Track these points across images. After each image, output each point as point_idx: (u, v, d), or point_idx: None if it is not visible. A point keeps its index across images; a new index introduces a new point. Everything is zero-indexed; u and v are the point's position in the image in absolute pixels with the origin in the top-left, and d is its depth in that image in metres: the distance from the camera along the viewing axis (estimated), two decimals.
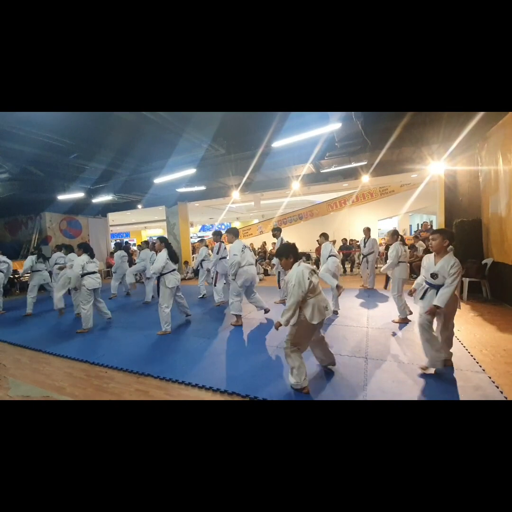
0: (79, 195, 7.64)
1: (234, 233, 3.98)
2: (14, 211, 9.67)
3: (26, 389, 2.53)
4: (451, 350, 2.51)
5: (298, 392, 2.18)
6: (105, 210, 11.00)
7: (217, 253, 4.95)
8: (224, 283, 5.21)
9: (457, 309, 2.35)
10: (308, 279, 2.09)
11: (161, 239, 3.92)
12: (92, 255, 4.16)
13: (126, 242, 12.88)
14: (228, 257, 4.72)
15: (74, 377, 2.73)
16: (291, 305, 2.06)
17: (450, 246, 2.31)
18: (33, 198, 8.65)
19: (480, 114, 4.02)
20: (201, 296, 5.93)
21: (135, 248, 13.49)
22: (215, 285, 5.12)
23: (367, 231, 6.31)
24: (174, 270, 3.81)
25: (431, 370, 2.36)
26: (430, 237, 2.36)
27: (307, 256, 8.53)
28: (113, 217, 13.14)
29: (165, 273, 3.72)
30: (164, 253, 3.73)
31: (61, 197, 7.73)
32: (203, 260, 5.87)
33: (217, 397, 2.23)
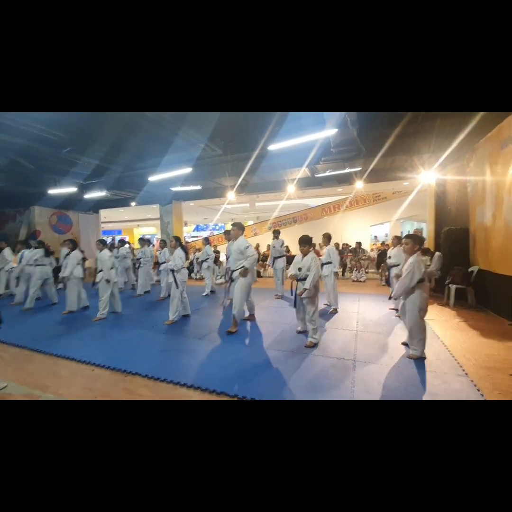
0: (71, 190, 7.49)
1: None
2: (2, 204, 9.40)
3: (8, 387, 2.46)
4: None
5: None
6: (97, 206, 10.81)
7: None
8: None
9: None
10: None
11: (176, 238, 4.37)
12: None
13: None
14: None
15: (59, 375, 2.67)
16: (315, 278, 3.09)
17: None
18: (22, 191, 8.42)
19: (471, 125, 4.15)
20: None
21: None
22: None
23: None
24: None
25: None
26: (404, 241, 2.92)
27: None
28: (105, 214, 12.92)
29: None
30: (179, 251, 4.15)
31: (52, 191, 7.56)
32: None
33: (206, 396, 2.23)
